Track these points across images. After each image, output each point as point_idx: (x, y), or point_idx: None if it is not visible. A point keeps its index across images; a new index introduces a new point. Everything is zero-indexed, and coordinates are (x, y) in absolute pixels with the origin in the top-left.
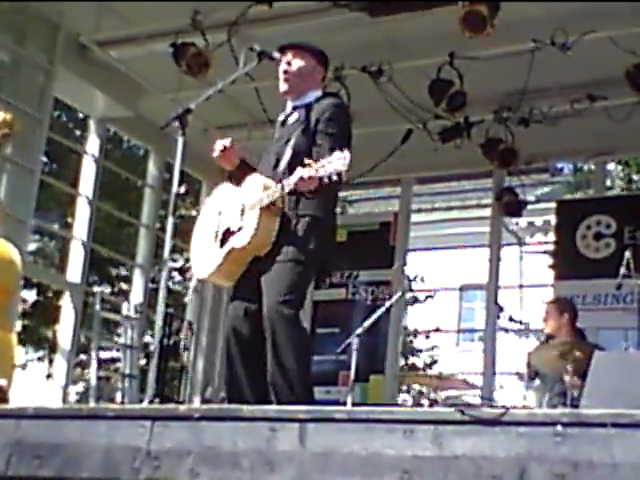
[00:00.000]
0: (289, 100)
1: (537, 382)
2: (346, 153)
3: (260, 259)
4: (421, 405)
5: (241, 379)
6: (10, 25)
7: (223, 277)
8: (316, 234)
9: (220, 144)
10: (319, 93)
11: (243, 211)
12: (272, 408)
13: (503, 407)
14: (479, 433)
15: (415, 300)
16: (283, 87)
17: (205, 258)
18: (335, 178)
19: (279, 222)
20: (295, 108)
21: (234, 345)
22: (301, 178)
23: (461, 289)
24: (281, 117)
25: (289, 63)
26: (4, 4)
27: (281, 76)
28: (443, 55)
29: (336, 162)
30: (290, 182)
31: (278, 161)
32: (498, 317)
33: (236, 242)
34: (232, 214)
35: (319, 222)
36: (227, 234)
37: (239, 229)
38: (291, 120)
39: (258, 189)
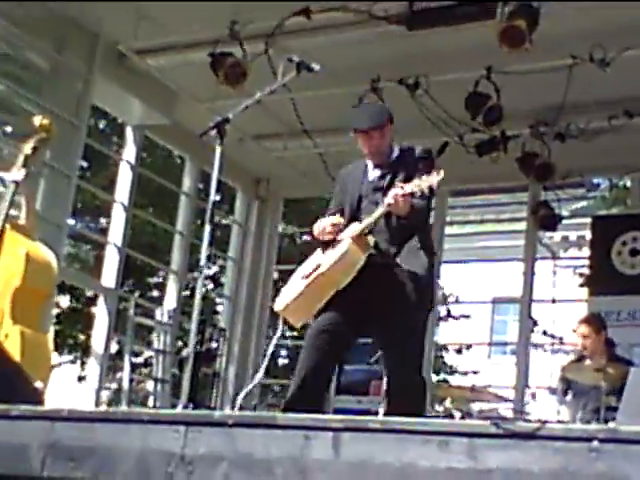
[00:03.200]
0: (371, 161)
1: (570, 397)
2: (440, 170)
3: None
4: (452, 417)
5: (320, 379)
6: (50, 32)
7: (298, 308)
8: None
9: (329, 223)
10: (397, 150)
11: (334, 245)
12: (306, 416)
13: (539, 421)
14: (514, 447)
15: (448, 315)
16: (373, 158)
17: (288, 292)
18: (427, 192)
19: (365, 258)
20: (379, 166)
21: (327, 343)
22: (395, 197)
23: (493, 302)
24: (372, 172)
25: (371, 142)
26: (45, 11)
27: (367, 150)
28: (480, 68)
29: (429, 178)
30: (385, 203)
31: (375, 205)
32: (532, 331)
33: (320, 269)
34: (326, 255)
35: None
36: (315, 270)
37: (326, 259)
38: (385, 170)
39: (354, 227)
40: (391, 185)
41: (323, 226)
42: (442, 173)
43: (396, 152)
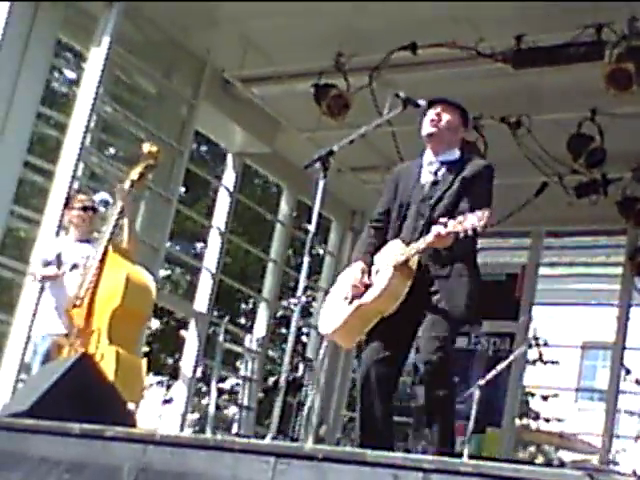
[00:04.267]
0: (430, 146)
1: None
2: (486, 211)
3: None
4: (536, 464)
5: (377, 418)
6: (160, 58)
7: (346, 334)
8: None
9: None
10: (459, 152)
11: (378, 271)
12: (397, 455)
13: (634, 474)
14: None
15: (539, 359)
16: (429, 130)
17: (333, 315)
18: (470, 233)
19: (410, 284)
20: (442, 163)
21: (374, 385)
22: (437, 235)
23: (583, 347)
24: (427, 167)
25: (439, 115)
26: (156, 37)
27: (428, 122)
28: (584, 110)
29: (473, 218)
30: (426, 240)
31: (421, 218)
32: (624, 379)
33: (364, 298)
34: (369, 280)
35: (476, 283)
36: (359, 294)
37: (370, 286)
38: (440, 176)
39: (395, 250)
40: (441, 199)
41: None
42: (487, 214)
43: (457, 154)
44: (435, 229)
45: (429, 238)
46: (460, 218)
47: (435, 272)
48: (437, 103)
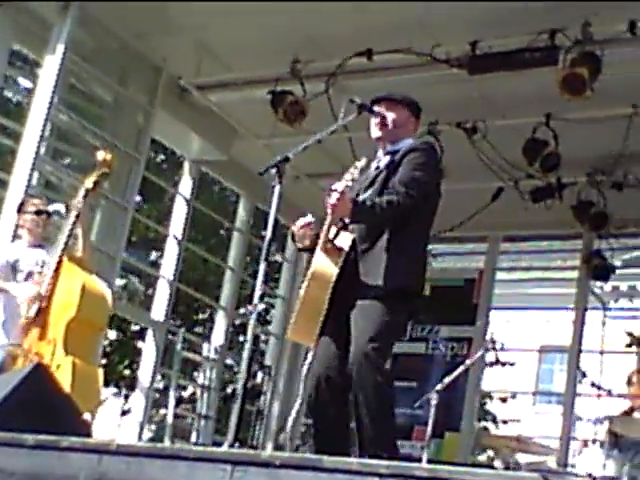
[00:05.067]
0: (380, 147)
1: (617, 452)
2: (363, 159)
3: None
4: (494, 467)
5: (331, 426)
6: (115, 65)
7: (302, 332)
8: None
9: (302, 222)
10: (411, 141)
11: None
12: (353, 461)
13: (589, 476)
14: None
15: (496, 362)
16: (376, 134)
17: (292, 317)
18: (377, 201)
19: (342, 262)
20: (387, 154)
21: (325, 392)
22: (330, 205)
23: (540, 350)
24: (374, 164)
25: (383, 116)
26: (111, 44)
27: (374, 125)
28: (539, 115)
29: (354, 171)
30: (328, 212)
31: None
32: (580, 382)
33: (301, 289)
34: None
35: (404, 257)
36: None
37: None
38: (382, 165)
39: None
40: (374, 182)
41: (293, 231)
42: (364, 161)
43: (406, 144)
44: (329, 199)
45: (328, 209)
46: (345, 176)
47: (360, 251)
48: (381, 101)
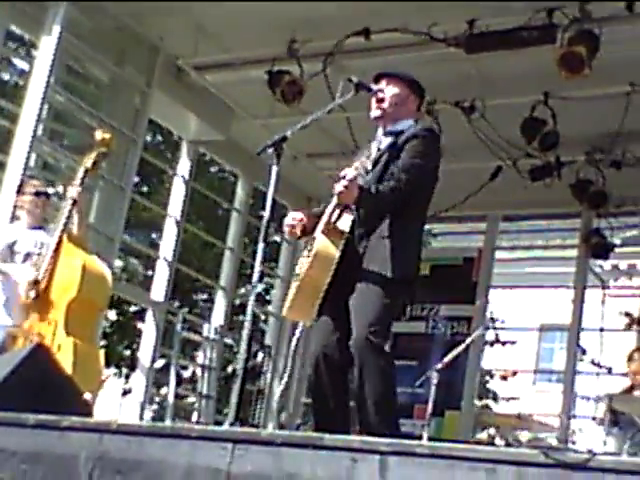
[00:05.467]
0: (380, 127)
1: (617, 429)
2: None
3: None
4: (495, 445)
5: (331, 405)
6: (111, 46)
7: (300, 312)
8: (399, 256)
9: (291, 219)
10: (412, 122)
11: (312, 241)
12: (354, 438)
13: (589, 452)
14: (563, 477)
15: (496, 341)
16: (375, 113)
17: (289, 295)
18: (380, 188)
19: (343, 244)
20: (387, 134)
21: (324, 373)
22: (338, 192)
23: (540, 329)
24: (374, 145)
25: (382, 91)
26: (108, 25)
27: (374, 103)
28: (537, 94)
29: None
30: (333, 199)
31: None
32: (580, 360)
33: (302, 270)
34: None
35: (403, 245)
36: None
37: (306, 259)
38: (383, 146)
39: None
40: (376, 165)
41: (284, 227)
42: (374, 152)
43: (407, 125)
44: (336, 185)
45: (335, 193)
46: (356, 164)
47: (358, 235)
48: (381, 77)
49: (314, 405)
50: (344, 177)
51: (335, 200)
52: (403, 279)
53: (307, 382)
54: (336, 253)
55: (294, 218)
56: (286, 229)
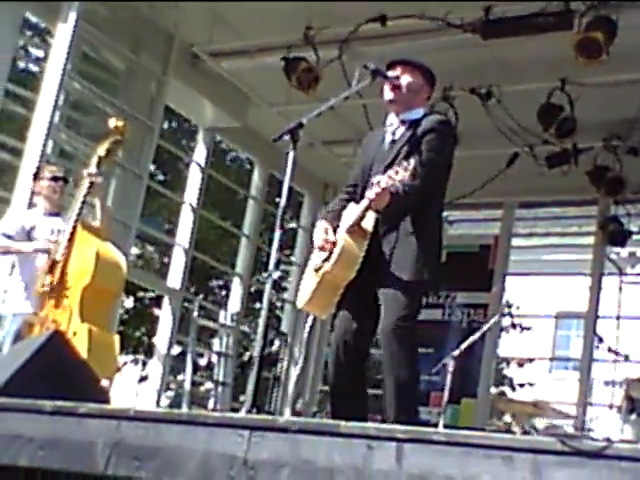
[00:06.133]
0: (392, 111)
1: (634, 416)
2: (411, 161)
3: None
4: (512, 432)
5: (348, 393)
6: (127, 33)
7: (317, 305)
8: (426, 253)
9: (322, 240)
10: (424, 111)
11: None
12: (370, 426)
13: (606, 440)
14: (580, 465)
15: (513, 326)
16: (389, 95)
17: (305, 287)
18: (407, 189)
19: (367, 244)
20: (402, 122)
21: (343, 361)
22: (372, 198)
23: (557, 317)
24: (388, 129)
25: (398, 77)
26: (123, 12)
27: (388, 87)
28: (554, 80)
29: (401, 171)
30: (364, 201)
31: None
32: (597, 347)
33: (325, 266)
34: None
35: (428, 241)
36: (324, 262)
37: (331, 255)
38: (398, 135)
39: (351, 214)
40: (396, 158)
41: (315, 241)
42: (412, 163)
43: (420, 114)
44: (369, 192)
45: (366, 200)
46: (390, 173)
47: (382, 232)
48: (397, 64)
49: (332, 392)
50: (378, 183)
51: (365, 203)
52: (430, 273)
53: (325, 369)
54: (360, 253)
55: (325, 240)
56: (316, 244)
